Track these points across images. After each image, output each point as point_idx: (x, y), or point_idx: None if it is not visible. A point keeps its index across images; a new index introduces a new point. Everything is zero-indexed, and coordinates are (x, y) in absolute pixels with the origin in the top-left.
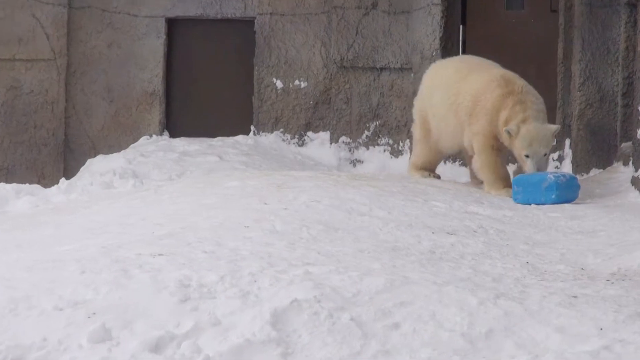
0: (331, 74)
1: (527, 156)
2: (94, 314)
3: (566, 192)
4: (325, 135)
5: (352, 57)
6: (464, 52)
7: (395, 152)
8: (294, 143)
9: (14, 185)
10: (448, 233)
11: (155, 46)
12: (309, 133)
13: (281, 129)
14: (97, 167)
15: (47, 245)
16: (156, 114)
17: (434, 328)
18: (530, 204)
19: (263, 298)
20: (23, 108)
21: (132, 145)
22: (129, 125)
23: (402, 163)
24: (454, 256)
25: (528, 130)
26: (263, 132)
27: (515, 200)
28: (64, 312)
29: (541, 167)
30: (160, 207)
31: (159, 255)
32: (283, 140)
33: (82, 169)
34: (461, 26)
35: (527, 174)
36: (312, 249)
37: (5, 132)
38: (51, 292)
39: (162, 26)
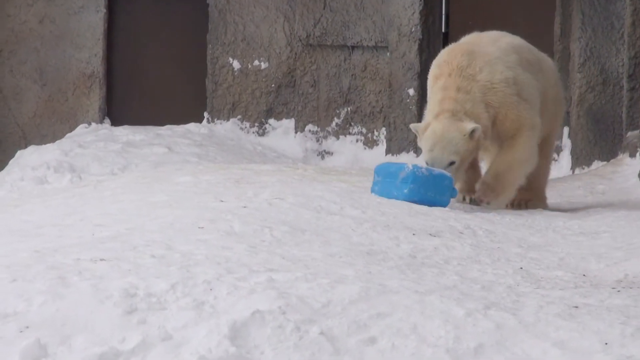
0: (296, 53)
1: (427, 164)
2: (27, 328)
3: (426, 190)
4: (289, 123)
5: (320, 34)
6: (446, 28)
7: (369, 143)
8: (253, 132)
9: None
10: (431, 235)
11: (93, 21)
12: (271, 121)
13: (239, 116)
14: (28, 160)
15: None
16: (95, 99)
17: (415, 343)
18: (387, 198)
19: (220, 309)
20: None
21: (68, 135)
22: (64, 112)
23: (377, 155)
24: (437, 261)
25: (433, 130)
26: (218, 119)
27: (372, 191)
28: None
29: None
30: (102, 205)
31: (101, 260)
32: (241, 128)
33: (10, 162)
34: None
35: (393, 163)
36: (276, 253)
37: None
38: None
39: None
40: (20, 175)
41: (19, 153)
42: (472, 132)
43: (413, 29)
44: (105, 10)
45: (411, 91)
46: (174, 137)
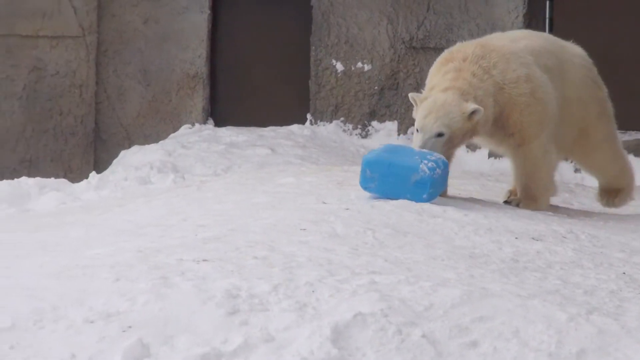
0: (399, 56)
1: (417, 131)
2: (130, 327)
3: (440, 189)
4: (392, 126)
5: (423, 36)
6: (550, 31)
7: (472, 146)
8: (356, 134)
9: (38, 179)
10: (533, 238)
11: (198, 22)
12: (374, 123)
13: (342, 118)
14: (132, 160)
15: (75, 248)
16: (199, 99)
17: (517, 347)
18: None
19: (322, 311)
20: (47, 92)
21: (171, 135)
22: (168, 113)
23: (479, 158)
24: (540, 265)
25: (434, 100)
26: (321, 121)
27: (365, 188)
28: (96, 326)
29: (429, 149)
30: (205, 206)
31: (204, 261)
32: (344, 130)
33: (114, 161)
34: (548, 1)
35: (385, 154)
36: (378, 255)
37: (28, 119)
38: (81, 303)
39: (206, 0)
40: (123, 175)
41: (122, 153)
42: (473, 113)
43: None
44: (209, 11)
45: None
46: (277, 139)
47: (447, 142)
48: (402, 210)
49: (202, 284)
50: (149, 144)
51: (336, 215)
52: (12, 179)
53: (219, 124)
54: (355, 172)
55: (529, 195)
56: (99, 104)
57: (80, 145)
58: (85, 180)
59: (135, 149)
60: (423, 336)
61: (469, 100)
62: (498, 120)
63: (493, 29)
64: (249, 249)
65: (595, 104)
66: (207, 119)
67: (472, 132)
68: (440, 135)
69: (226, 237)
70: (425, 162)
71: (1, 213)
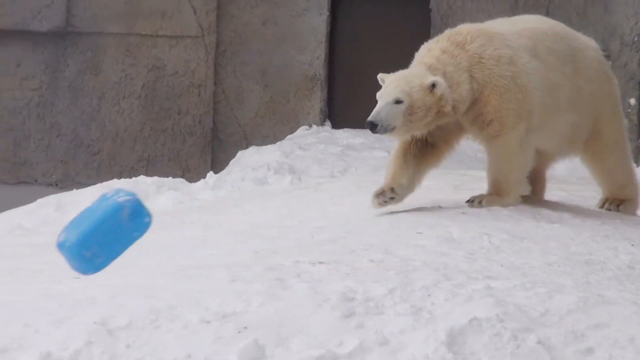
0: None
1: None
2: (245, 328)
3: None
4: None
5: None
6: None
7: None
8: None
9: (155, 179)
10: None
11: (316, 24)
12: None
13: None
14: (249, 160)
15: (192, 248)
16: (317, 101)
17: (633, 355)
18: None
19: (437, 315)
20: (166, 91)
21: (288, 137)
22: (285, 114)
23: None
24: None
25: (399, 73)
26: None
27: (96, 268)
28: (211, 326)
29: (383, 116)
30: (321, 208)
31: (319, 263)
32: None
33: (232, 161)
34: None
35: (78, 228)
36: (494, 260)
37: (146, 118)
38: (197, 303)
39: (324, 1)
40: (241, 175)
41: (240, 153)
42: (433, 86)
43: (636, 39)
44: (328, 13)
45: (632, 101)
46: (394, 142)
47: (407, 113)
48: (519, 215)
49: (317, 286)
50: (266, 144)
51: (452, 220)
52: (130, 177)
53: (336, 125)
54: (472, 175)
55: (497, 189)
56: (217, 103)
57: (198, 145)
58: (202, 180)
59: (252, 149)
60: (538, 342)
61: (436, 76)
62: (477, 104)
63: (611, 35)
64: (364, 252)
65: (609, 99)
66: (324, 121)
67: (440, 109)
68: (398, 102)
69: (342, 240)
70: (116, 196)
71: None
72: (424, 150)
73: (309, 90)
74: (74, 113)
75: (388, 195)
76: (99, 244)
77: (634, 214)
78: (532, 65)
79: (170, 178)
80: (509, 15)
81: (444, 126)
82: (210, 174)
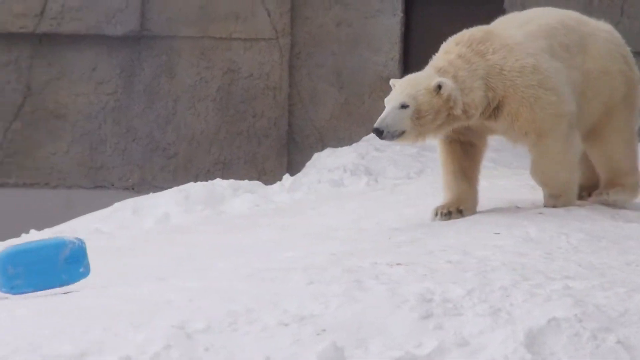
0: None
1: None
2: (324, 330)
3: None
4: None
5: None
6: None
7: None
8: None
9: (231, 181)
10: None
11: (390, 25)
12: None
13: None
14: (325, 163)
15: (268, 251)
16: None
17: None
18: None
19: (516, 316)
20: (241, 94)
21: (364, 138)
22: (360, 115)
23: None
24: None
25: (407, 76)
26: None
27: (11, 289)
28: (290, 328)
29: (389, 122)
30: (397, 209)
31: (397, 264)
32: None
33: (308, 164)
34: None
35: (24, 245)
36: (572, 260)
37: (222, 121)
38: (275, 306)
39: (398, 2)
40: (317, 177)
41: (315, 155)
42: (439, 87)
43: None
44: (402, 14)
45: None
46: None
47: (415, 117)
48: (596, 214)
49: (395, 288)
50: (341, 146)
51: (529, 220)
52: (207, 180)
53: None
54: None
55: (552, 193)
56: (292, 106)
57: (274, 147)
58: (278, 183)
59: (328, 151)
60: (618, 342)
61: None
62: (501, 117)
63: None
64: (442, 253)
65: (623, 82)
66: None
67: (449, 111)
68: (404, 106)
69: (419, 241)
70: (70, 238)
71: (197, 215)
72: (465, 153)
73: (384, 92)
74: (149, 117)
75: (455, 216)
76: (26, 266)
77: (630, 200)
78: (554, 66)
79: (246, 181)
80: (583, 13)
81: (471, 127)
82: (286, 176)
